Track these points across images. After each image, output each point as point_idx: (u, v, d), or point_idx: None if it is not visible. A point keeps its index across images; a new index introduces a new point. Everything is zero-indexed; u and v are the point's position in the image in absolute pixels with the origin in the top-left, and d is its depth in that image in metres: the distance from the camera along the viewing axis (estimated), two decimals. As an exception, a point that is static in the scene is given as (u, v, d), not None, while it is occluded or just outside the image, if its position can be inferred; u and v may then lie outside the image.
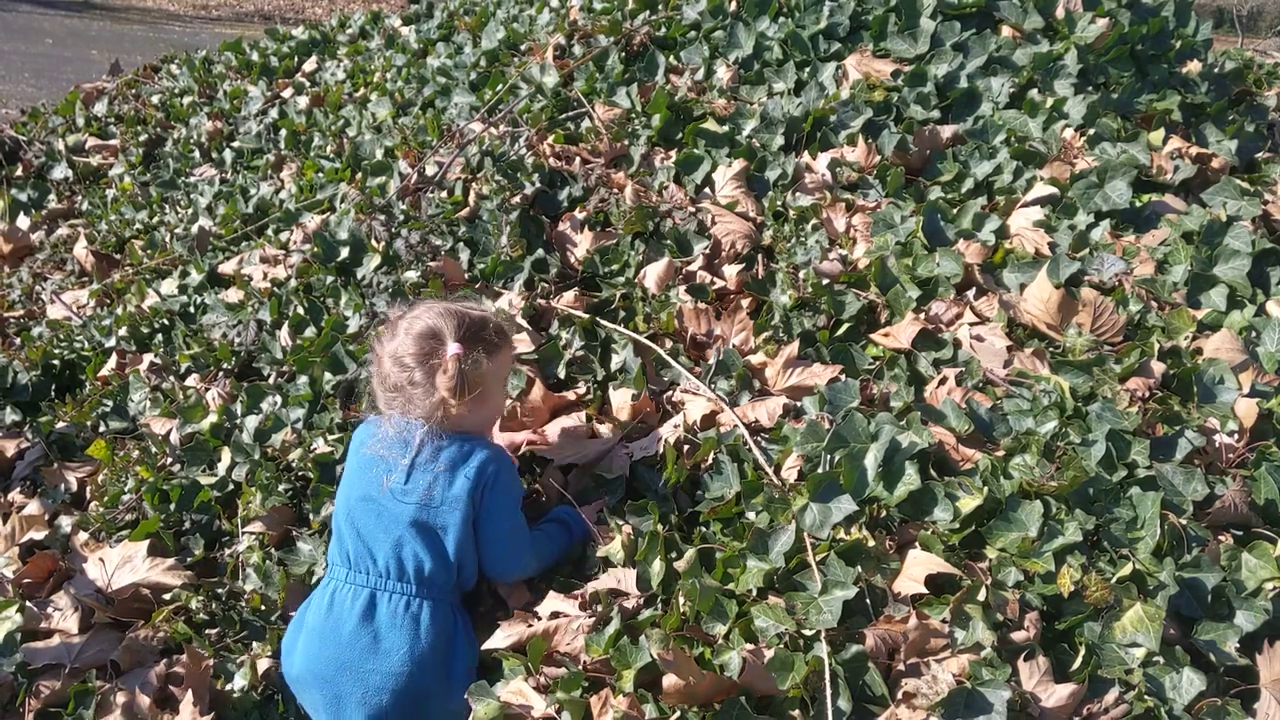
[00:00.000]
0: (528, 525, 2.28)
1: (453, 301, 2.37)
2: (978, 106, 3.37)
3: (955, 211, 2.95)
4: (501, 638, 2.14)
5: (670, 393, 2.68)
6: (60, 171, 5.19)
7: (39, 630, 2.48)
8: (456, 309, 2.27)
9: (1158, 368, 2.41)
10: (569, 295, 2.97)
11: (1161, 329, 2.56)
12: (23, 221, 4.79)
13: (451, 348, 2.17)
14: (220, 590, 2.51)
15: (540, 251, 3.10)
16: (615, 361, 2.77)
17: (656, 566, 2.15)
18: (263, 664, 2.37)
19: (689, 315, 2.80)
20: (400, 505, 2.19)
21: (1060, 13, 3.56)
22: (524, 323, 2.86)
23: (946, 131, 3.26)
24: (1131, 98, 3.37)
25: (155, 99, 5.64)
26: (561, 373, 2.77)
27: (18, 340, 3.73)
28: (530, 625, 2.13)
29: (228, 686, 2.35)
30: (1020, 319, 2.63)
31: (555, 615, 2.13)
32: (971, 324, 2.60)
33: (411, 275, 3.01)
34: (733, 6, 3.92)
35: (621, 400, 2.64)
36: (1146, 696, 1.90)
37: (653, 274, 2.96)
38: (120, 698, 2.30)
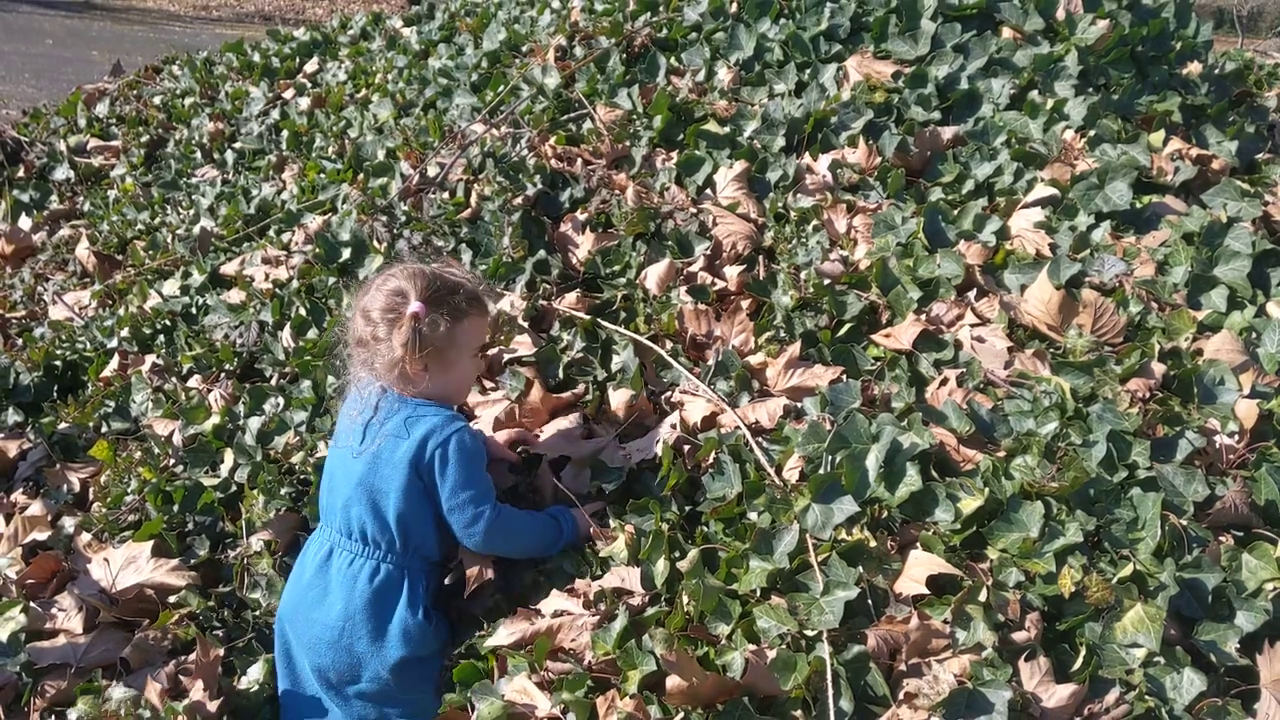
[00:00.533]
0: (494, 503, 2.24)
1: (434, 264, 2.39)
2: (978, 108, 3.38)
3: (956, 213, 2.96)
4: (504, 635, 2.15)
5: (670, 394, 2.69)
6: (62, 172, 5.20)
7: (43, 630, 2.48)
8: (431, 270, 2.29)
9: (1158, 369, 2.41)
10: (570, 296, 2.97)
11: (1162, 330, 2.57)
12: (24, 222, 4.79)
13: (412, 306, 2.19)
14: (230, 602, 2.52)
15: (542, 253, 3.10)
16: (615, 362, 2.78)
17: (661, 565, 2.16)
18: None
19: (689, 316, 2.80)
20: (353, 464, 2.25)
21: (1061, 14, 3.57)
22: (524, 324, 2.87)
23: (947, 133, 3.26)
24: (1132, 99, 3.38)
25: (157, 100, 5.64)
26: (561, 374, 2.78)
27: (20, 341, 3.74)
28: (533, 623, 2.13)
29: (238, 684, 2.36)
30: (1021, 320, 2.64)
31: (559, 613, 2.14)
32: (972, 325, 2.61)
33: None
34: (734, 8, 3.93)
35: (620, 401, 2.65)
36: (1147, 697, 1.90)
37: (654, 275, 2.96)
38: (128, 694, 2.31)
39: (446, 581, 2.33)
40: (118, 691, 2.25)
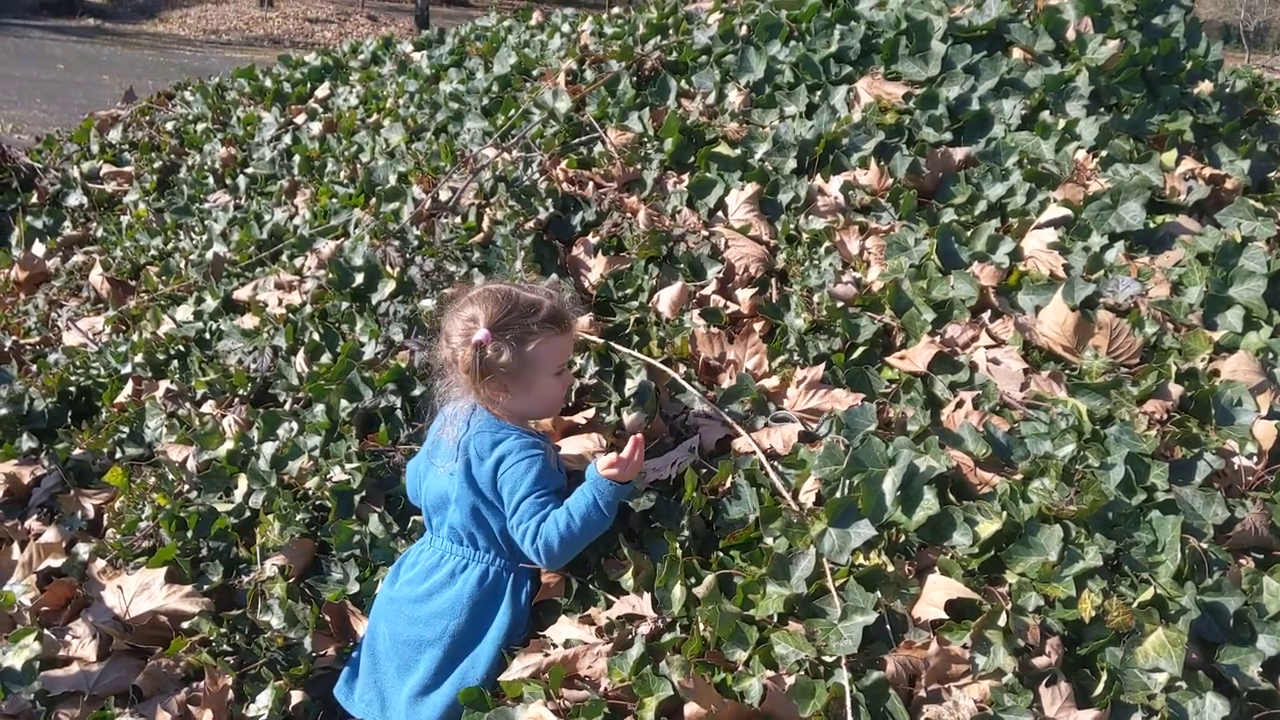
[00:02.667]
0: (546, 514, 2.23)
1: (515, 283, 2.42)
2: (990, 129, 3.38)
3: (969, 234, 2.96)
4: (519, 668, 2.14)
5: (684, 417, 2.68)
6: (75, 198, 5.23)
7: (57, 658, 2.48)
8: (506, 293, 2.31)
9: (1175, 390, 2.40)
10: (584, 320, 2.97)
11: (1178, 351, 2.56)
12: (38, 248, 4.82)
13: (478, 334, 2.23)
14: (242, 625, 2.51)
15: (554, 276, 3.10)
16: (629, 386, 2.78)
17: (678, 591, 2.15)
18: (296, 696, 2.40)
19: (702, 339, 2.80)
20: (449, 480, 2.32)
21: (1071, 34, 3.57)
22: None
23: (959, 154, 3.27)
24: (1143, 119, 3.38)
25: (169, 125, 5.68)
26: (574, 398, 2.77)
27: (34, 367, 3.75)
28: (547, 654, 2.12)
29: (247, 712, 2.35)
30: (1036, 341, 2.63)
31: (572, 643, 2.13)
32: (987, 347, 2.60)
33: (427, 304, 3.02)
34: (743, 31, 3.94)
35: (635, 424, 2.64)
36: (1169, 722, 1.89)
37: (666, 298, 2.96)
38: (140, 722, 2.30)
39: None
40: (129, 721, 2.24)
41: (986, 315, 2.73)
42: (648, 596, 2.18)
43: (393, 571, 2.46)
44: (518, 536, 2.25)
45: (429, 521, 2.44)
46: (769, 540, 2.22)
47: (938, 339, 2.64)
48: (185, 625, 2.53)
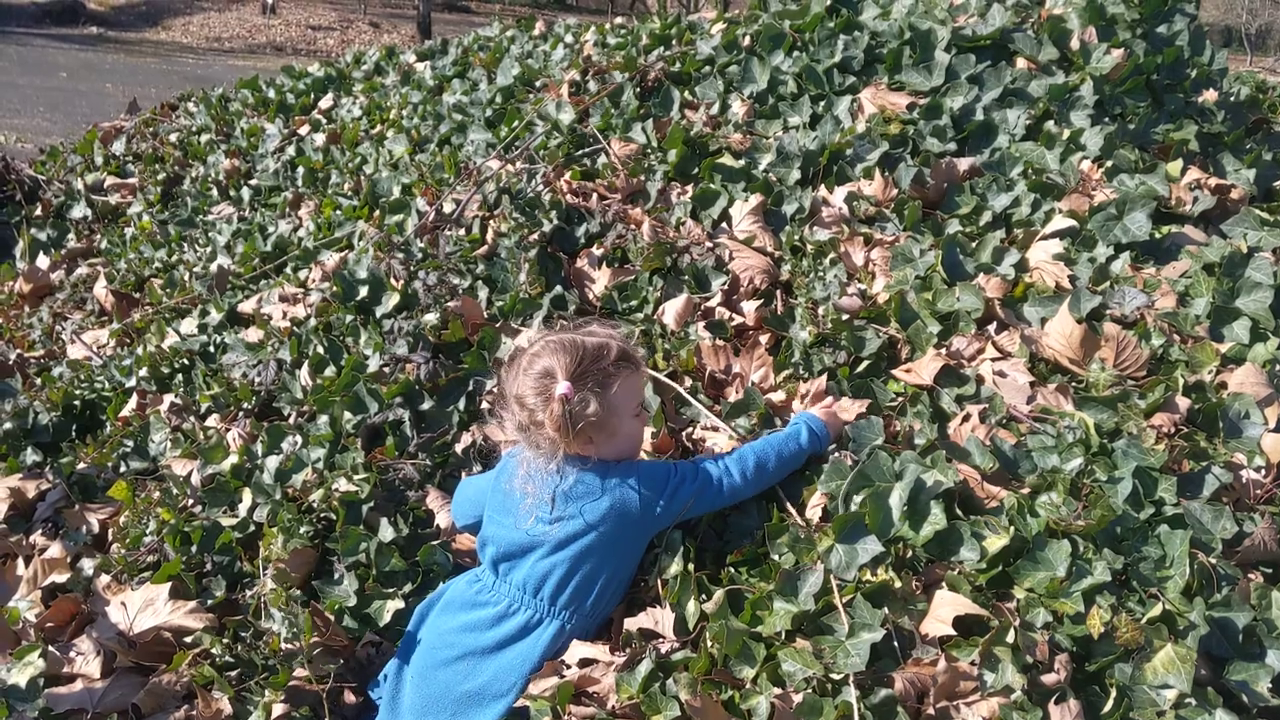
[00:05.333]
0: (709, 461, 2.29)
1: (574, 330, 2.35)
2: (994, 139, 3.37)
3: (974, 245, 2.95)
4: (535, 692, 2.12)
5: (690, 430, 2.67)
6: (79, 210, 5.24)
7: (61, 675, 2.47)
8: (572, 342, 2.24)
9: (1183, 403, 2.39)
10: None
11: (1185, 363, 2.55)
12: (42, 261, 4.83)
13: (560, 387, 2.15)
14: (244, 632, 2.50)
15: (558, 288, 3.10)
16: (635, 398, 2.77)
17: (691, 608, 2.14)
18: (278, 709, 2.37)
19: (707, 352, 2.80)
20: (543, 531, 2.23)
21: (1075, 44, 3.57)
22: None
23: (963, 164, 3.26)
24: (1148, 128, 3.37)
25: (173, 137, 5.69)
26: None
27: (38, 381, 3.75)
28: (562, 676, 2.11)
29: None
30: (1042, 354, 2.62)
31: (585, 663, 2.12)
32: (993, 359, 2.59)
33: (431, 318, 3.01)
34: (747, 41, 3.94)
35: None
36: (1180, 739, 1.88)
37: (671, 310, 2.96)
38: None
39: None
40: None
41: (992, 327, 2.72)
42: (669, 612, 2.17)
43: (441, 604, 2.39)
44: (698, 482, 2.23)
45: (493, 565, 2.33)
46: (776, 556, 2.21)
47: (943, 352, 2.63)
48: (189, 640, 2.53)
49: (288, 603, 2.51)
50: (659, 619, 2.20)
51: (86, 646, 2.53)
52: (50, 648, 2.49)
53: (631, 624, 2.21)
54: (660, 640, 2.15)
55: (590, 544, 2.20)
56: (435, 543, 2.59)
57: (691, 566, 2.24)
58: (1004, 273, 2.86)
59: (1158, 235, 2.96)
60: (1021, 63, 3.59)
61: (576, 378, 2.17)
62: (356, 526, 2.61)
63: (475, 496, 2.49)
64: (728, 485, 2.24)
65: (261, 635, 2.52)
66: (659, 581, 2.26)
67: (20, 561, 2.86)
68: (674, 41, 4.22)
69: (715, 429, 2.59)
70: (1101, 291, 2.73)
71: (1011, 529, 2.11)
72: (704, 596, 2.17)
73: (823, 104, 3.61)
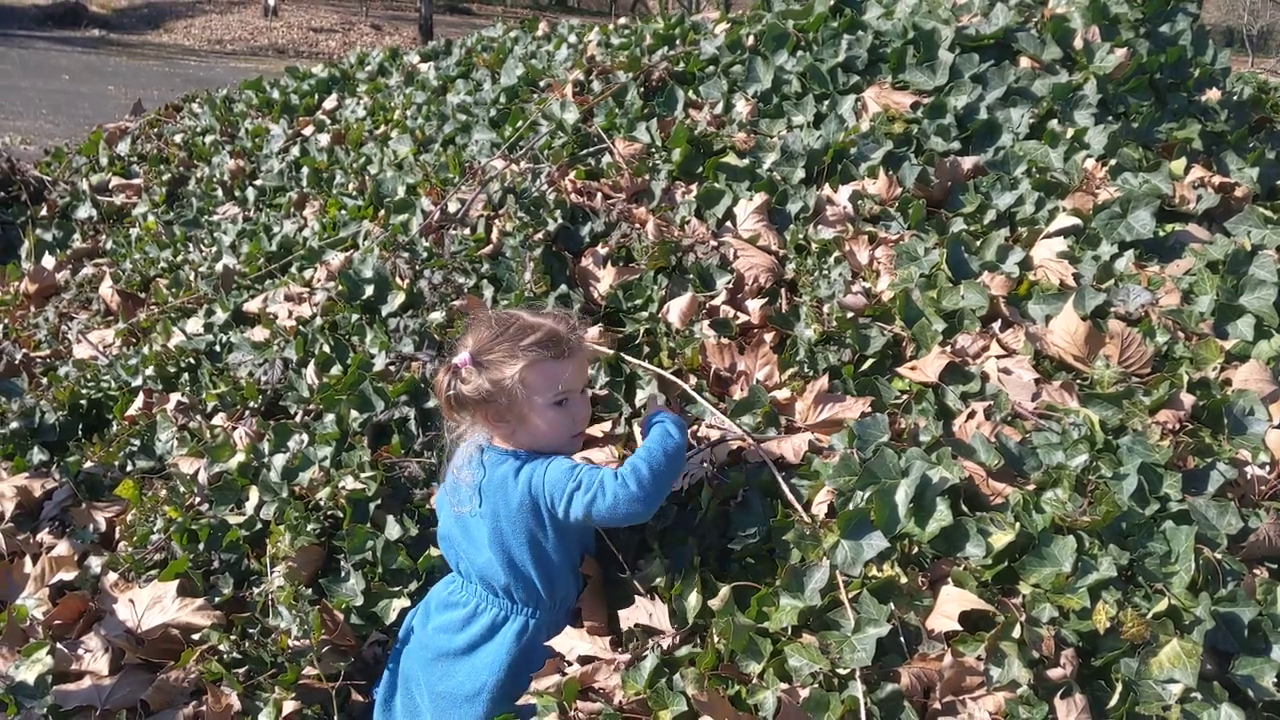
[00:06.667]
0: (607, 471, 2.10)
1: (531, 309, 2.31)
2: (998, 138, 3.38)
3: (979, 243, 2.96)
4: (536, 688, 2.13)
5: (695, 428, 2.68)
6: (84, 211, 5.25)
7: (69, 672, 2.48)
8: (501, 317, 2.21)
9: (1187, 399, 2.40)
10: (593, 331, 2.98)
11: (1190, 360, 2.55)
12: (48, 261, 4.83)
13: (458, 357, 2.15)
14: (251, 629, 2.51)
15: (563, 287, 3.11)
16: (640, 397, 2.78)
17: (693, 601, 2.15)
18: (288, 706, 2.38)
19: (712, 350, 2.80)
20: (479, 525, 2.22)
21: (1079, 43, 3.58)
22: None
23: (967, 163, 3.27)
24: (1152, 127, 3.38)
25: (178, 138, 5.70)
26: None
27: (45, 380, 3.76)
28: (564, 674, 2.12)
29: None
30: (1047, 351, 2.63)
31: (587, 660, 2.13)
32: (998, 357, 2.60)
33: (436, 317, 3.02)
34: (750, 41, 3.95)
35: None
36: (1185, 733, 1.88)
37: (676, 309, 2.96)
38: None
39: None
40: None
41: (997, 325, 2.73)
42: (664, 607, 2.18)
43: (424, 609, 2.39)
44: (591, 493, 2.05)
45: (456, 566, 2.33)
46: (782, 552, 2.22)
47: (948, 349, 2.63)
48: (196, 638, 2.54)
49: (296, 600, 2.52)
50: (652, 611, 2.20)
51: (95, 644, 2.54)
52: (58, 645, 2.50)
53: (626, 616, 2.21)
54: (662, 635, 2.16)
55: (512, 540, 2.18)
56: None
57: (697, 560, 2.24)
58: (1008, 271, 2.87)
59: (1162, 233, 2.97)
60: (1025, 62, 3.60)
61: (483, 352, 2.14)
62: (363, 525, 2.63)
63: (442, 501, 2.45)
64: (624, 497, 2.04)
65: (269, 633, 2.53)
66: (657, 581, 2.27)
67: (27, 559, 2.87)
68: (678, 41, 4.23)
69: (720, 426, 2.60)
70: (1106, 289, 2.73)
71: (1017, 525, 2.12)
72: (709, 592, 2.18)
73: (827, 103, 3.62)
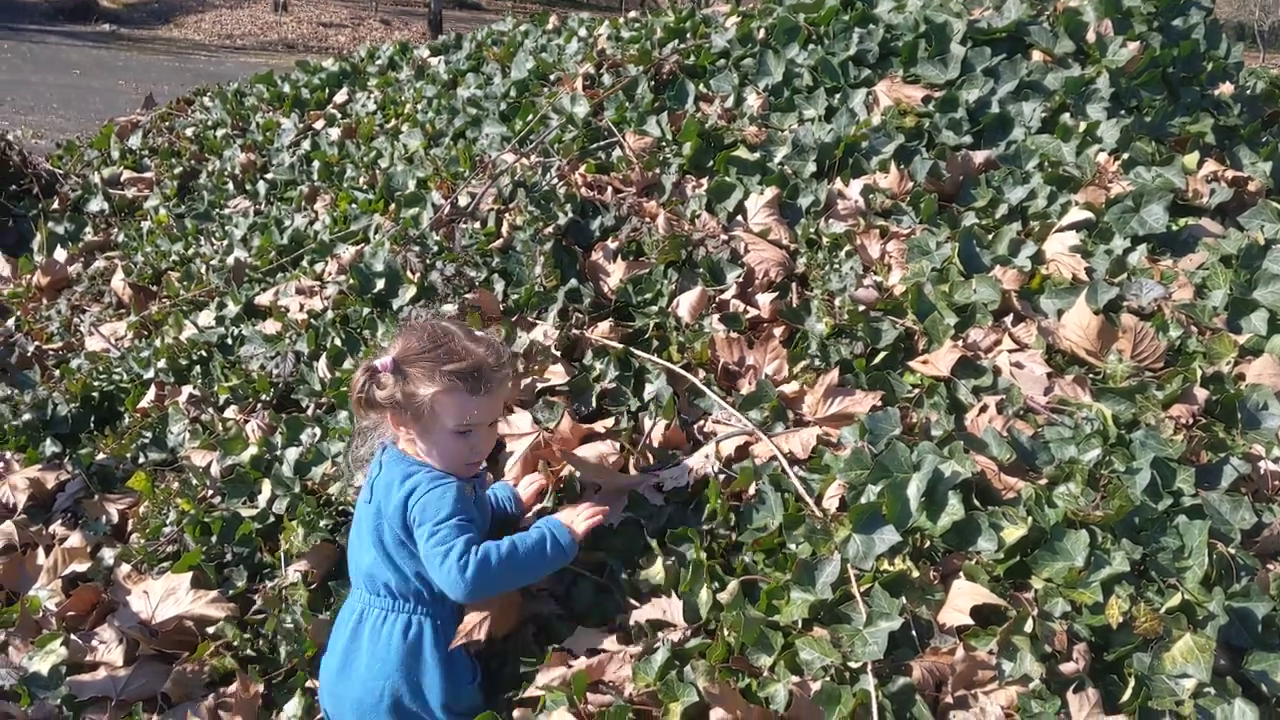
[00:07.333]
0: (469, 540, 2.07)
1: (470, 331, 2.28)
2: (1010, 131, 3.37)
3: (990, 237, 2.95)
4: (541, 682, 2.13)
5: (703, 423, 2.68)
6: (96, 204, 5.26)
7: (84, 663, 2.49)
8: (436, 331, 2.21)
9: (1200, 394, 2.39)
10: (603, 325, 2.98)
11: (1203, 354, 2.55)
12: (60, 254, 4.85)
13: (380, 360, 2.16)
14: (264, 630, 2.50)
15: (573, 281, 3.11)
16: (648, 391, 2.78)
17: (704, 595, 2.15)
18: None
19: (721, 345, 2.80)
20: (366, 520, 2.24)
21: (1091, 36, 3.56)
22: (557, 354, 2.87)
23: (979, 157, 3.26)
24: (1164, 121, 3.36)
25: (189, 131, 5.71)
26: (594, 403, 2.78)
27: (57, 372, 3.77)
28: (570, 666, 2.12)
29: (278, 717, 2.36)
30: (1059, 345, 2.62)
31: (595, 652, 2.13)
32: (1010, 351, 2.60)
33: (449, 309, 3.02)
34: (761, 34, 3.94)
35: (653, 430, 2.64)
36: (1198, 728, 1.88)
37: (686, 303, 2.96)
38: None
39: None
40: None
41: (1009, 319, 2.72)
42: (676, 601, 2.18)
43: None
44: (437, 557, 2.05)
45: (352, 575, 2.31)
46: (793, 546, 2.22)
47: (960, 343, 2.63)
48: (210, 630, 2.55)
49: (312, 601, 2.52)
50: (666, 608, 2.20)
51: (109, 635, 2.55)
52: (72, 636, 2.51)
53: (640, 615, 2.21)
54: (672, 629, 2.16)
55: (389, 536, 2.18)
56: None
57: (704, 555, 2.24)
58: (1020, 265, 2.86)
59: (1175, 227, 2.96)
60: (1037, 55, 3.58)
61: (406, 362, 2.15)
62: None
63: None
64: (450, 580, 2.04)
65: (281, 632, 2.52)
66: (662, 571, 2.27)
67: (40, 551, 2.88)
68: (688, 34, 4.22)
69: (728, 421, 2.60)
70: (1118, 283, 2.73)
71: (1029, 519, 2.11)
72: (718, 586, 2.18)
73: (838, 97, 3.61)
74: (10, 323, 4.25)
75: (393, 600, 2.19)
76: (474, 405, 2.17)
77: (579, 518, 2.25)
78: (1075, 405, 2.41)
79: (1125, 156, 3.18)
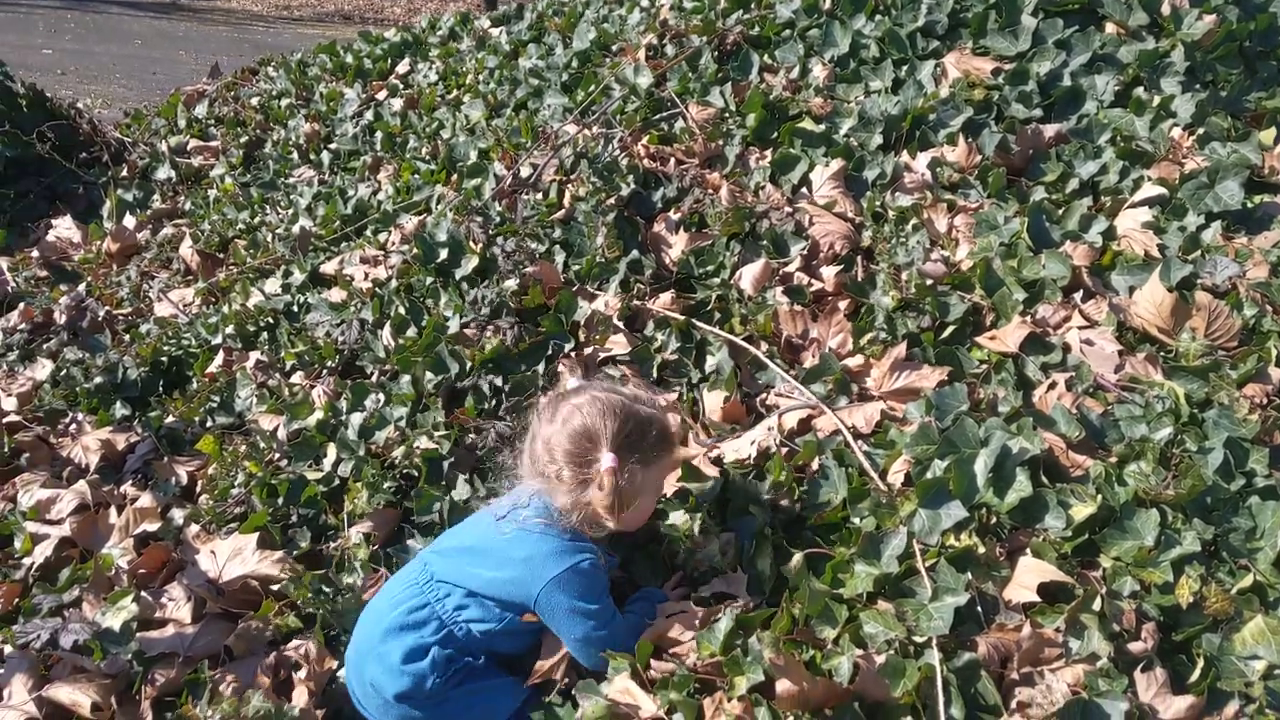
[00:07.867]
0: (608, 619, 2.11)
1: (624, 392, 2.20)
2: (1082, 105, 3.31)
3: (1061, 212, 2.91)
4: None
5: (765, 396, 2.68)
6: (164, 172, 5.35)
7: (153, 620, 2.55)
8: (622, 405, 2.12)
9: (1275, 374, 2.34)
10: (665, 297, 2.98)
11: (1278, 334, 2.49)
12: (129, 221, 4.93)
13: (606, 460, 2.04)
14: (327, 589, 2.53)
15: (635, 253, 3.11)
16: (710, 364, 2.78)
17: (766, 569, 2.16)
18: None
19: (785, 317, 2.79)
20: (483, 528, 2.22)
21: (1166, 9, 3.48)
22: (619, 325, 2.88)
23: (1049, 131, 3.20)
24: (1240, 95, 3.28)
25: (254, 101, 5.77)
26: (655, 374, 2.78)
27: (127, 337, 3.85)
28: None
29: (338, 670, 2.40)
30: (1130, 323, 2.58)
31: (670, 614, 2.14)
32: (1080, 327, 2.56)
33: (511, 284, 3.03)
34: (827, 4, 3.89)
35: (714, 403, 2.64)
36: (1268, 711, 1.85)
37: (749, 275, 2.95)
38: (232, 684, 2.34)
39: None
40: (256, 699, 2.25)
41: (1079, 295, 2.69)
42: (743, 576, 2.18)
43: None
44: (590, 645, 2.08)
45: (437, 554, 2.27)
46: (857, 520, 2.21)
47: (1029, 319, 2.60)
48: (275, 589, 2.59)
49: (372, 561, 2.56)
50: (731, 582, 2.21)
51: (178, 593, 2.60)
52: (143, 593, 2.57)
53: (705, 589, 2.22)
54: (736, 601, 2.16)
55: (505, 592, 2.12)
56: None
57: (769, 530, 2.25)
58: (1091, 240, 2.81)
59: (1250, 204, 2.89)
60: (1111, 27, 3.50)
61: (621, 448, 2.07)
62: (433, 486, 2.66)
63: None
64: (598, 663, 2.09)
65: (340, 590, 2.56)
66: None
67: (112, 510, 2.95)
68: (753, 4, 4.17)
69: (791, 394, 2.59)
70: (1192, 260, 2.68)
71: (1099, 497, 2.09)
72: (781, 559, 2.18)
73: (905, 68, 3.57)
74: (81, 288, 4.33)
75: (454, 637, 2.14)
76: (675, 461, 2.30)
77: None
78: (1146, 383, 2.37)
79: (1200, 131, 3.11)
